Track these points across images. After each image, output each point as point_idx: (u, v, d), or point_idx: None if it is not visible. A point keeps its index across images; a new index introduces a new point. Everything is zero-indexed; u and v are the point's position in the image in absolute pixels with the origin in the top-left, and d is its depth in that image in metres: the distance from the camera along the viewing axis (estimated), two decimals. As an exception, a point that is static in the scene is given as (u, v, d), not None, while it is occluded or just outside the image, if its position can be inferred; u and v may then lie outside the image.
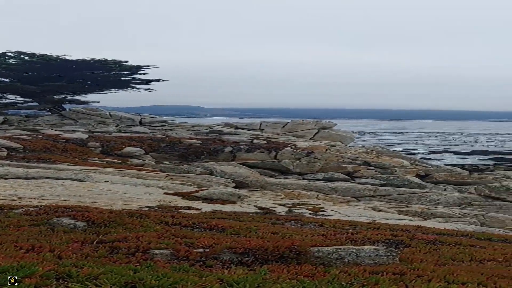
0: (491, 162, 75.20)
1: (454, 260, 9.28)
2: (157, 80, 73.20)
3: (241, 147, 43.96)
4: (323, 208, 24.64)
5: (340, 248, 7.67)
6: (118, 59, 72.28)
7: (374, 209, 27.76)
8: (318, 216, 20.63)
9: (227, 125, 63.76)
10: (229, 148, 43.74)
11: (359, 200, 32.00)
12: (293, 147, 44.13)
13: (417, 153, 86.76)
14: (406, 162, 41.95)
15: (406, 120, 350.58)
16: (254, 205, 23.21)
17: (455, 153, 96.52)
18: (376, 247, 8.23)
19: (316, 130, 59.48)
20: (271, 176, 37.59)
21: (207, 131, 56.07)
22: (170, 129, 57.48)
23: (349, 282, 6.50)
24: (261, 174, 36.65)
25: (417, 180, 36.65)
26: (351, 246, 7.98)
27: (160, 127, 59.29)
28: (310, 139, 55.14)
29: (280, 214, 20.56)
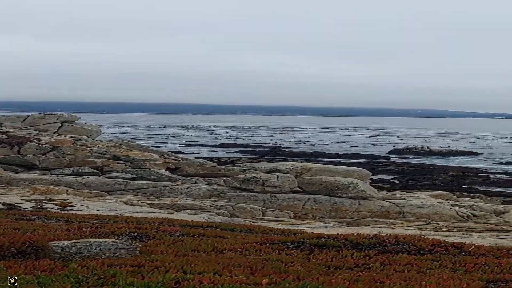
0: (239, 155, 78.17)
1: (196, 250, 9.51)
2: None
3: (-21, 142, 41.97)
4: (72, 203, 24.48)
5: (79, 242, 7.60)
6: None
7: (126, 203, 27.91)
8: (65, 211, 20.52)
9: (-42, 119, 60.47)
10: (-36, 144, 41.59)
11: (111, 194, 32.01)
12: (36, 141, 42.87)
13: (167, 147, 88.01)
14: (156, 156, 42.27)
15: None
16: (-2, 202, 22.54)
17: (205, 146, 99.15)
18: (116, 240, 8.23)
19: (60, 124, 58.17)
20: (17, 172, 36.57)
21: None
22: None
23: (86, 275, 6.48)
24: (5, 170, 35.57)
25: (167, 173, 37.16)
26: (90, 240, 7.93)
27: None
28: (54, 133, 53.87)
29: (26, 209, 20.23)
